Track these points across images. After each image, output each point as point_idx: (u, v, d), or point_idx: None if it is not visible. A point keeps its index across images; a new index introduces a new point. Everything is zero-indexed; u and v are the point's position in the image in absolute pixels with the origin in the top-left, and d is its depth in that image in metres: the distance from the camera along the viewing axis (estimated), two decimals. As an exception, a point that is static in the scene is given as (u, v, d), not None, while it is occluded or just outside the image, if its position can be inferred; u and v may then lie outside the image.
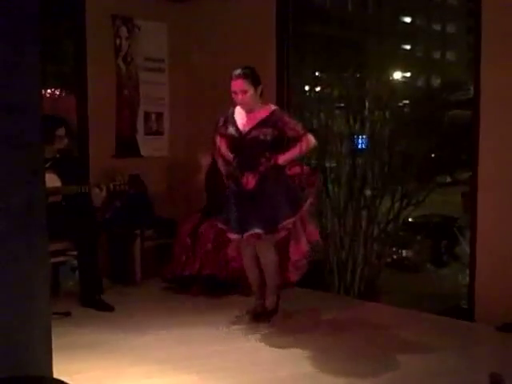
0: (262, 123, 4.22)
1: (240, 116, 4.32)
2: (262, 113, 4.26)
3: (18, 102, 2.50)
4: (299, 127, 4.29)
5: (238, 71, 4.22)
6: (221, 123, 4.42)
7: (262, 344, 4.01)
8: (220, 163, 4.52)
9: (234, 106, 4.36)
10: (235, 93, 4.21)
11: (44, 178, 2.73)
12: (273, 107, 4.34)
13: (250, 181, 4.22)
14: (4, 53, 2.46)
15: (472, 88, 4.54)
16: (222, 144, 4.45)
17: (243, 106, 4.27)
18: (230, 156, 4.39)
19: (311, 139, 4.32)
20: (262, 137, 4.20)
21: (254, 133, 4.22)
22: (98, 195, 4.75)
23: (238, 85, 4.19)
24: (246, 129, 4.25)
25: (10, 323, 2.49)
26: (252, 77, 4.22)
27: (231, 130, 4.32)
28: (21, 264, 2.53)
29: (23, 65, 2.52)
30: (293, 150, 4.27)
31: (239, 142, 4.29)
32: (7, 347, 2.47)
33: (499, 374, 3.05)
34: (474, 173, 4.48)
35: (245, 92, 4.18)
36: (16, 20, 2.50)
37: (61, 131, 4.81)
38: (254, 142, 4.21)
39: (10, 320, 2.49)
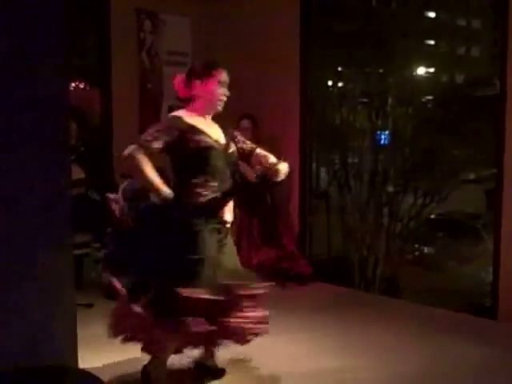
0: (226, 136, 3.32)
1: (203, 125, 3.23)
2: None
3: (44, 95, 2.52)
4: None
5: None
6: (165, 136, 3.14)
7: (281, 339, 4.01)
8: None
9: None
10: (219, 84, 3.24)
11: (70, 170, 2.76)
12: None
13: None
14: (31, 46, 2.48)
15: (498, 84, 4.49)
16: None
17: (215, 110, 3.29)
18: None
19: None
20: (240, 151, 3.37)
21: (232, 145, 3.31)
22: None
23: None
24: (223, 140, 3.27)
25: (35, 315, 2.52)
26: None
27: (204, 138, 3.16)
28: (46, 256, 2.56)
29: (51, 58, 2.55)
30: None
31: (221, 158, 3.21)
32: (33, 338, 2.51)
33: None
34: (499, 170, 4.44)
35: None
36: (43, 15, 2.52)
37: None
38: (235, 159, 3.37)
39: (36, 312, 2.52)
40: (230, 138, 3.33)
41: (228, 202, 3.25)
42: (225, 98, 3.24)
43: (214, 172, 3.15)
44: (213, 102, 3.22)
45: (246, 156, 3.40)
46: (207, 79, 3.19)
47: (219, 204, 3.17)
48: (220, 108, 3.25)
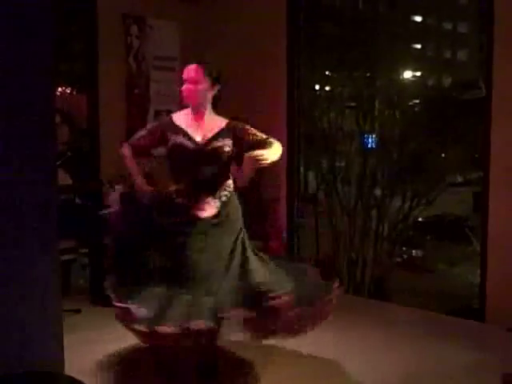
0: (222, 133, 3.35)
1: (188, 123, 3.37)
2: (219, 122, 3.39)
3: (30, 100, 2.51)
4: (263, 134, 3.40)
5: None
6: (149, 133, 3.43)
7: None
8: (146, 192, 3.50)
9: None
10: (185, 81, 3.33)
11: (57, 176, 2.75)
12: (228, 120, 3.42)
13: (209, 208, 3.31)
14: (17, 50, 2.47)
15: (484, 87, 4.52)
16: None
17: (189, 100, 3.36)
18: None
19: (280, 146, 3.37)
20: (226, 148, 3.31)
21: (215, 143, 3.31)
22: (110, 193, 4.78)
23: (191, 71, 3.32)
24: (205, 138, 3.33)
25: (22, 320, 2.50)
26: (211, 70, 3.35)
27: (181, 139, 3.30)
28: (33, 262, 2.54)
29: (36, 63, 2.53)
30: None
31: (195, 156, 3.30)
32: (20, 344, 2.49)
33: (511, 374, 3.04)
34: (485, 173, 4.46)
35: (196, 82, 3.30)
36: (29, 19, 2.51)
37: (56, 118, 4.71)
38: (216, 156, 3.31)
39: (23, 317, 2.51)
40: (231, 133, 3.35)
41: (201, 197, 3.29)
42: (187, 92, 3.33)
43: (181, 170, 3.35)
44: (185, 99, 3.39)
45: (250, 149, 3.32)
46: (183, 79, 3.38)
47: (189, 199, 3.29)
48: (189, 103, 3.37)
